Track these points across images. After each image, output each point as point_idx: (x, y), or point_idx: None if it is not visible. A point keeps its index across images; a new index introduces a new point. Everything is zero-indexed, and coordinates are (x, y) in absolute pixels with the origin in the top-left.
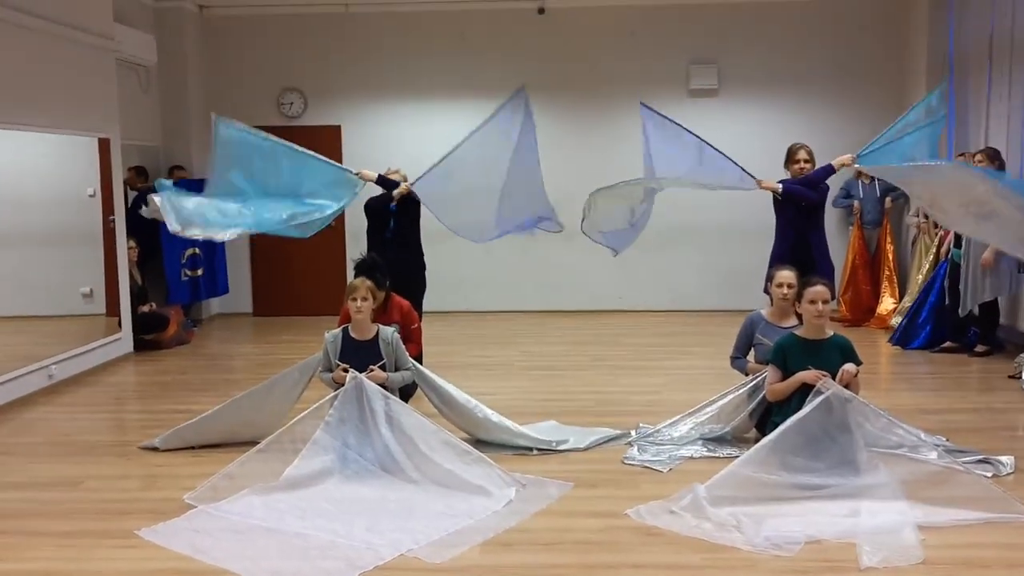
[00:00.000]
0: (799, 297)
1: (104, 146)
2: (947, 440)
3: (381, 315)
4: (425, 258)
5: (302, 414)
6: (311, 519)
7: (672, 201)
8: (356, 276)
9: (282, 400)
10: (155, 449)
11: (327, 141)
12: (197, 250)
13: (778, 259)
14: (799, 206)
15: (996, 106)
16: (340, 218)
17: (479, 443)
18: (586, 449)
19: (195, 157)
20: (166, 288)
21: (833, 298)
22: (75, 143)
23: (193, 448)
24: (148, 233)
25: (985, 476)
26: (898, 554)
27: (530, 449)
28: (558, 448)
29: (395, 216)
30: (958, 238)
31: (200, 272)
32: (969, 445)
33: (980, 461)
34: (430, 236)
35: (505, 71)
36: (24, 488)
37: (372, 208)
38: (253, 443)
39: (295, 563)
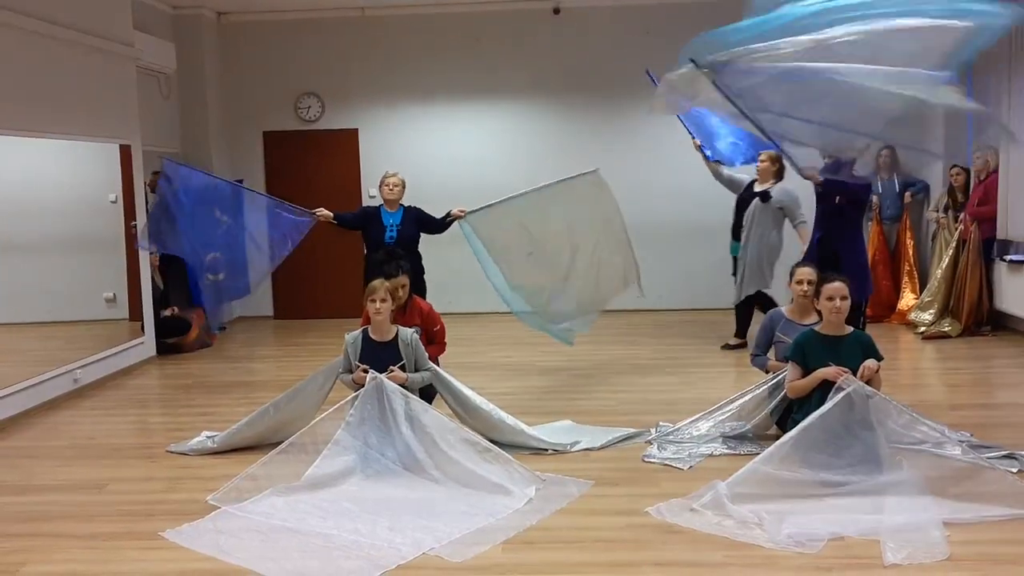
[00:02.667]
0: (817, 294)
1: (126, 153)
2: (971, 436)
3: (401, 318)
4: (424, 262)
5: (322, 414)
6: (333, 519)
7: (691, 199)
8: (375, 270)
9: (308, 405)
10: (182, 453)
11: (344, 145)
12: (218, 254)
13: (806, 255)
14: (832, 203)
15: (1017, 97)
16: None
17: (495, 443)
18: (601, 448)
19: (215, 162)
20: (188, 292)
21: (863, 296)
22: (97, 150)
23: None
24: None
25: (1011, 472)
26: (923, 551)
27: (545, 449)
28: (572, 450)
29: (402, 222)
30: (736, 232)
31: (221, 276)
32: (994, 440)
33: (1005, 456)
34: (450, 238)
35: (521, 72)
36: (50, 491)
37: (368, 214)
38: (277, 445)
39: (318, 563)
